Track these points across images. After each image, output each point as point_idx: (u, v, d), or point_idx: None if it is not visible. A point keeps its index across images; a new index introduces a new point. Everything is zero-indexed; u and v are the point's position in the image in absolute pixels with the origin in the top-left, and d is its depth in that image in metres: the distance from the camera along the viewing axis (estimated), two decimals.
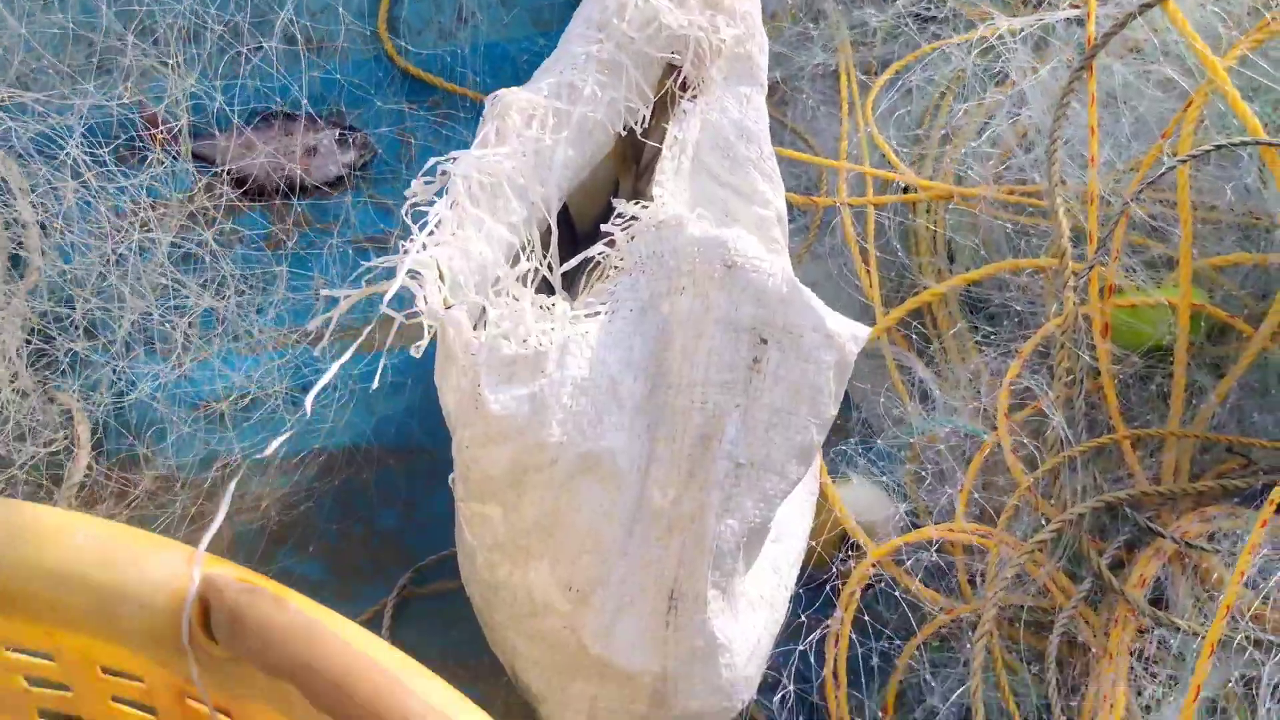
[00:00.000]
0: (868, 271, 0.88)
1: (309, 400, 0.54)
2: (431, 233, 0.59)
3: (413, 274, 0.57)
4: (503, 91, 0.66)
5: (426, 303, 0.57)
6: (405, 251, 0.57)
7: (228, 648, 0.38)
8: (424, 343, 0.57)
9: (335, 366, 0.56)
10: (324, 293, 0.83)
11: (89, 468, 0.79)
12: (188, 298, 0.83)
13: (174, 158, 0.87)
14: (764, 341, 0.60)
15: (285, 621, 0.37)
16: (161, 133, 0.88)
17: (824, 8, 1.01)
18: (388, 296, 0.59)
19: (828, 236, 0.92)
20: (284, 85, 0.93)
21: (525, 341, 0.58)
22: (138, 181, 0.83)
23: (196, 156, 0.91)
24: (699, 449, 0.60)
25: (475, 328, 0.59)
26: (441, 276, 0.58)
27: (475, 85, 1.02)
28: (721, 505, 0.59)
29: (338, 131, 0.96)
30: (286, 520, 0.81)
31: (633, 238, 0.62)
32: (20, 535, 0.41)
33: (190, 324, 0.83)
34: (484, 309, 0.59)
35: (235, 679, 0.40)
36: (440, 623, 0.77)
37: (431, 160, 0.63)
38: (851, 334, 0.60)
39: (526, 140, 0.65)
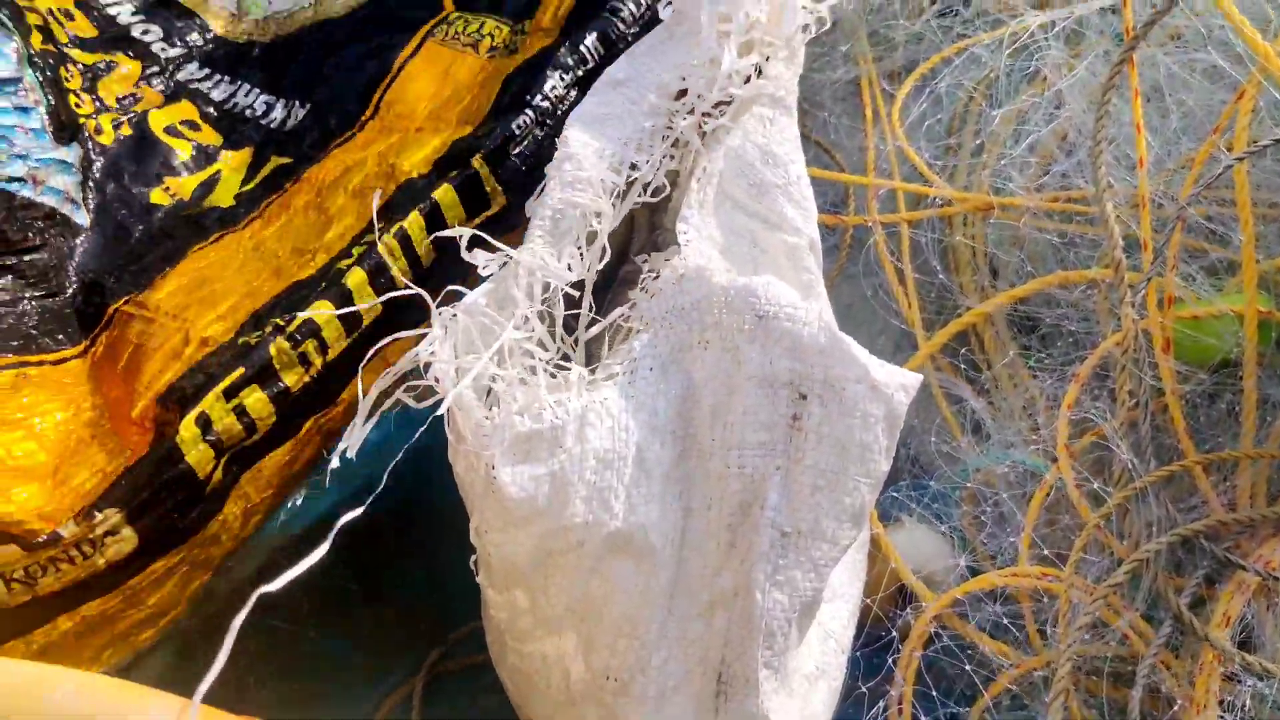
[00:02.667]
0: (905, 293, 0.83)
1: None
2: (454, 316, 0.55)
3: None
4: (573, 144, 0.61)
5: (438, 382, 0.53)
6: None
7: None
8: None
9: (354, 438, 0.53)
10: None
11: None
12: None
13: None
14: (803, 397, 0.55)
15: None
16: None
17: (840, 17, 0.95)
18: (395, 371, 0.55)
19: (860, 255, 0.87)
20: None
21: (540, 415, 0.53)
22: None
23: None
24: (739, 518, 0.55)
25: (488, 394, 0.55)
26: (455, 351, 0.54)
27: None
28: (768, 579, 0.55)
29: None
30: (310, 596, 0.76)
31: (652, 296, 0.57)
32: None
33: None
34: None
35: None
36: (471, 698, 0.73)
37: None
38: (900, 383, 0.55)
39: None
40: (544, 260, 0.59)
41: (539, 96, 0.71)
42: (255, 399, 0.62)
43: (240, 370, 0.62)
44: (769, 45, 0.65)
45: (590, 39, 0.73)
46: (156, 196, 0.76)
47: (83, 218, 0.73)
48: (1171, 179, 0.78)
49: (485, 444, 0.53)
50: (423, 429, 0.56)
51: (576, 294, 0.61)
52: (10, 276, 0.69)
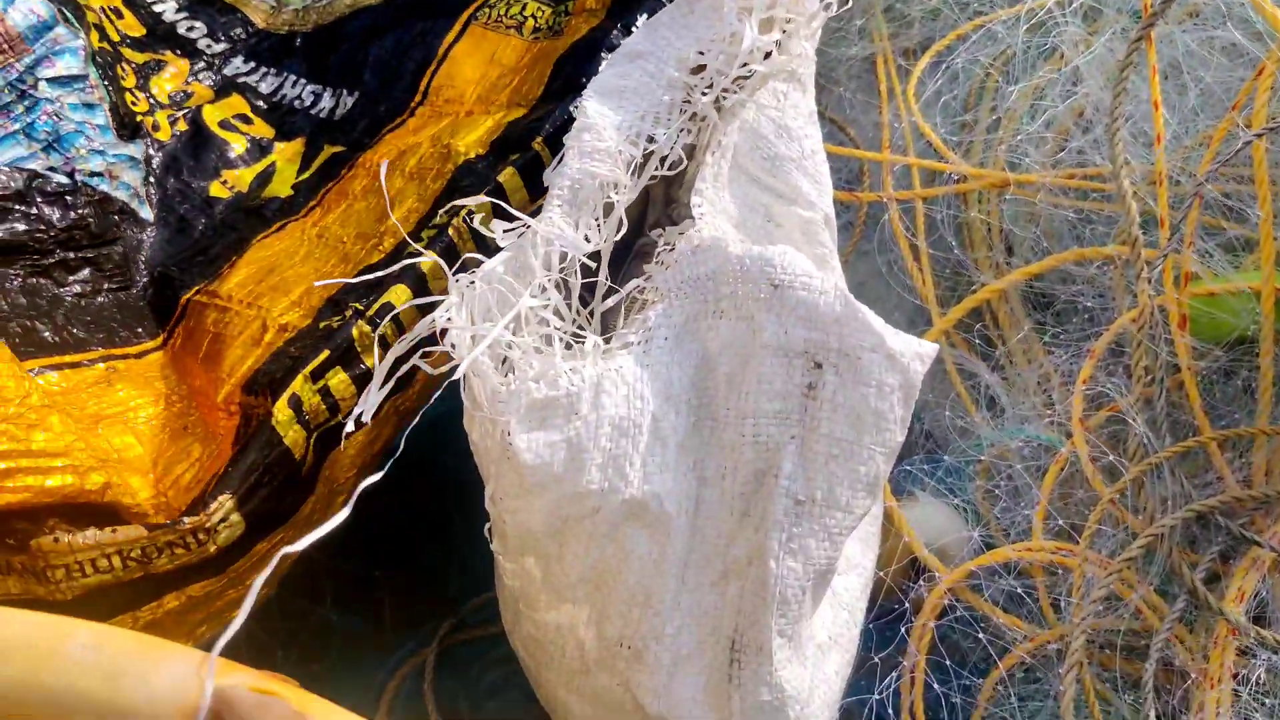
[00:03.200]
0: (920, 269, 0.83)
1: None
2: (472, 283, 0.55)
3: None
4: (592, 115, 0.61)
5: (454, 348, 0.53)
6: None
7: None
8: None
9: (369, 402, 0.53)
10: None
11: None
12: None
13: None
14: (818, 366, 0.55)
15: None
16: None
17: None
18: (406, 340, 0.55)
19: (875, 232, 0.86)
20: None
21: (556, 382, 0.53)
22: None
23: None
24: (753, 486, 0.55)
25: (504, 362, 0.55)
26: (471, 319, 0.54)
27: None
28: (782, 547, 0.54)
29: None
30: (321, 568, 0.76)
31: (667, 268, 0.57)
32: (9, 650, 0.37)
33: None
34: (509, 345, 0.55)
35: None
36: (483, 668, 0.73)
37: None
38: (916, 352, 0.55)
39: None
40: (561, 230, 0.58)
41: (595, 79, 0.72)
42: (338, 380, 0.63)
43: (325, 353, 0.63)
44: (790, 22, 0.65)
45: (641, 20, 0.74)
46: (215, 190, 0.78)
47: (147, 213, 0.75)
48: (1189, 156, 0.78)
49: (501, 410, 0.53)
50: (438, 393, 0.56)
51: (593, 265, 0.61)
52: (90, 269, 0.71)
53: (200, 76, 0.84)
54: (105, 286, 0.71)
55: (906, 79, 0.90)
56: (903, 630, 0.65)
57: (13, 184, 0.70)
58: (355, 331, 0.64)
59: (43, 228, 0.70)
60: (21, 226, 0.69)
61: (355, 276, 0.68)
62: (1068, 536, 0.68)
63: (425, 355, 0.56)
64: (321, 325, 0.66)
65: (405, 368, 0.55)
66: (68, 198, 0.72)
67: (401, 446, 0.52)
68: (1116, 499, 0.67)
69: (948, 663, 0.64)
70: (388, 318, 0.64)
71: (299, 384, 0.62)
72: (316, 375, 0.63)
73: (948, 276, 0.84)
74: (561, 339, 0.57)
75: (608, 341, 0.57)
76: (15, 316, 0.67)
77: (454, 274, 0.56)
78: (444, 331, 0.55)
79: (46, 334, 0.67)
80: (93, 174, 0.73)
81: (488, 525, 0.59)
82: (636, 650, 0.56)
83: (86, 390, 0.65)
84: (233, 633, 0.38)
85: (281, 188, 0.78)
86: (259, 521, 0.61)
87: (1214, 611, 0.63)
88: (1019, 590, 0.67)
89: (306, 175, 0.78)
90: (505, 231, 0.58)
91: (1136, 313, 0.71)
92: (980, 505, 0.71)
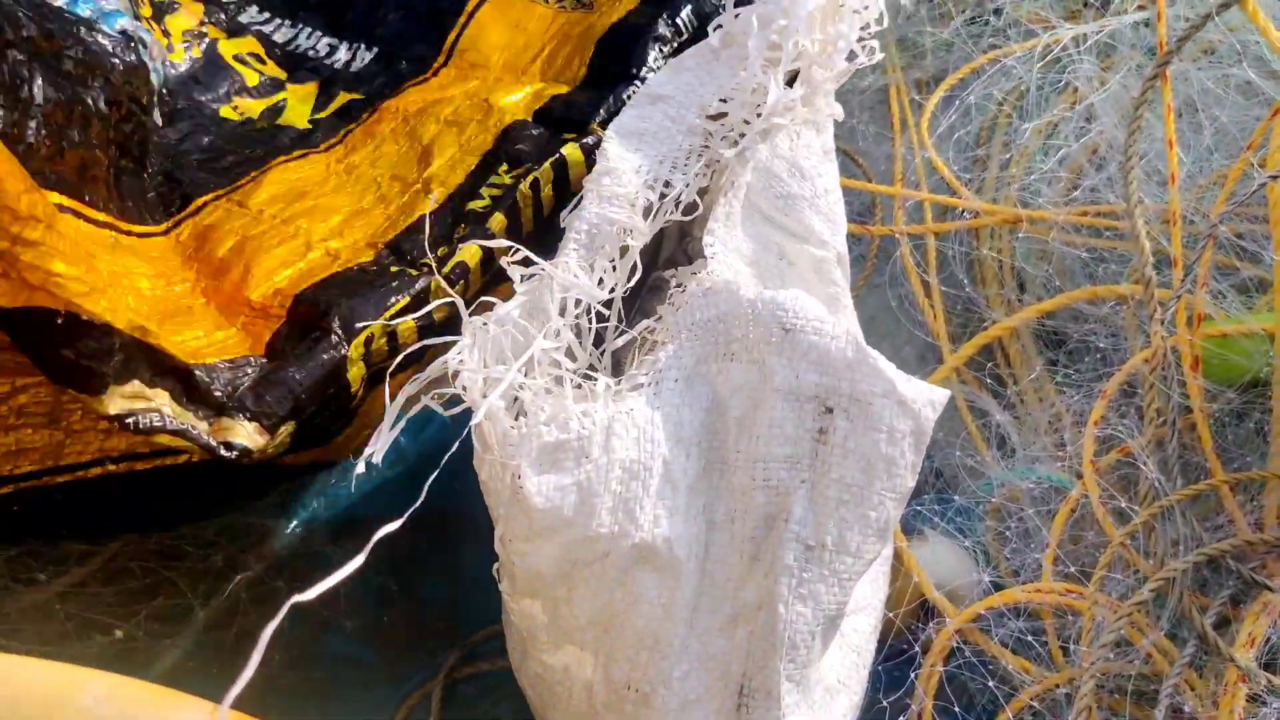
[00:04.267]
0: (930, 305, 0.83)
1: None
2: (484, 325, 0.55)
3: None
4: (612, 159, 0.62)
5: (465, 390, 0.53)
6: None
7: None
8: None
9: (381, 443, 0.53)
10: None
11: None
12: None
13: None
14: (829, 411, 0.55)
15: None
16: None
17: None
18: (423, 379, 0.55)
19: (886, 266, 0.86)
20: None
21: (567, 425, 0.53)
22: None
23: None
24: (763, 531, 0.55)
25: (514, 402, 0.55)
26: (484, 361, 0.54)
27: None
28: (792, 592, 0.54)
29: None
30: (328, 598, 0.76)
31: (678, 309, 0.57)
32: (21, 701, 0.37)
33: None
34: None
35: None
36: (490, 703, 0.73)
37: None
38: (928, 399, 0.55)
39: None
40: (577, 276, 0.59)
41: (644, 69, 0.74)
42: (406, 326, 0.66)
43: (404, 300, 0.66)
44: (814, 79, 0.65)
45: (685, 11, 0.76)
46: (226, 112, 0.80)
47: (158, 118, 0.76)
48: (1203, 195, 0.77)
49: (512, 454, 0.53)
50: (438, 423, 0.56)
51: (604, 308, 0.61)
52: (115, 148, 0.71)
53: (214, 19, 0.85)
54: (122, 163, 0.71)
55: (919, 111, 0.90)
56: (911, 675, 0.65)
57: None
58: (433, 284, 0.67)
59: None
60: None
61: (407, 223, 0.71)
62: (1077, 579, 0.68)
63: (436, 396, 0.56)
64: (394, 269, 0.68)
65: (416, 409, 0.56)
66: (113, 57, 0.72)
67: (423, 497, 0.52)
68: (1127, 542, 0.67)
69: (955, 708, 0.64)
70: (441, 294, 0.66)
71: (377, 328, 0.64)
72: (391, 319, 0.65)
73: (959, 313, 0.84)
74: (572, 380, 0.57)
75: (618, 382, 0.57)
76: (46, 156, 0.66)
77: (469, 314, 0.56)
78: (455, 373, 0.55)
79: (68, 177, 0.67)
80: (124, 32, 0.73)
81: (496, 565, 0.59)
82: (644, 694, 0.56)
83: (93, 244, 0.66)
84: (242, 686, 0.38)
85: (297, 120, 0.79)
86: (301, 441, 0.63)
87: (1224, 657, 0.63)
88: (1028, 634, 0.66)
89: (323, 115, 0.79)
90: (523, 279, 0.58)
91: (1149, 353, 0.70)
92: (990, 546, 0.71)
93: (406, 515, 0.49)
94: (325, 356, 0.63)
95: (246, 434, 0.60)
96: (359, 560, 0.43)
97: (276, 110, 0.80)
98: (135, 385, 0.59)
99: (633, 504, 0.54)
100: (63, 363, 0.57)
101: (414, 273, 0.67)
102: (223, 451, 0.60)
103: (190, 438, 0.59)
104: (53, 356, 0.57)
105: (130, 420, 0.58)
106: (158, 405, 0.59)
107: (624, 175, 0.62)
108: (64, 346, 0.57)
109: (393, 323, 0.65)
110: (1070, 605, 0.67)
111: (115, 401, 0.58)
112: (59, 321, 0.56)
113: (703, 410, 0.57)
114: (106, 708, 0.38)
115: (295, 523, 0.79)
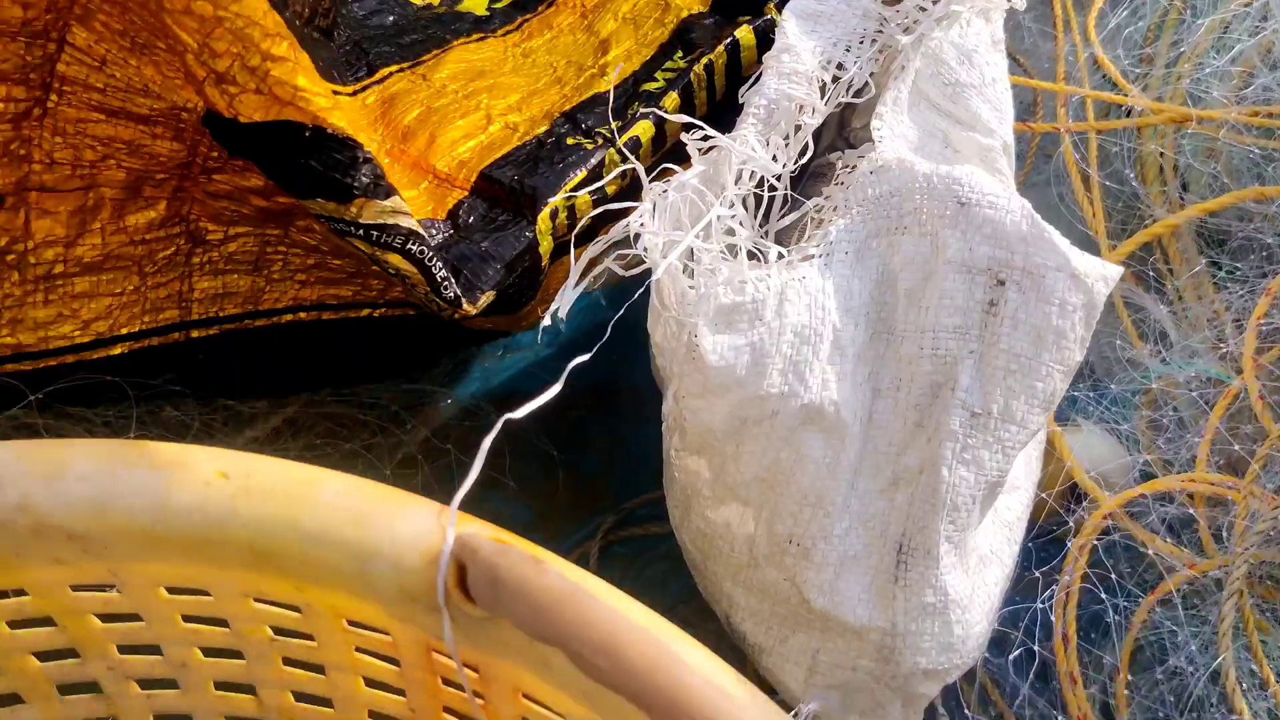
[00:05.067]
0: (1090, 202, 0.82)
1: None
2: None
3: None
4: (791, 37, 0.63)
5: (646, 251, 0.56)
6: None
7: (487, 609, 0.38)
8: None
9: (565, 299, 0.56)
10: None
11: None
12: None
13: None
14: (1001, 283, 0.56)
15: (547, 585, 0.36)
16: None
17: None
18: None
19: (1047, 164, 0.86)
20: None
21: (743, 288, 0.56)
22: None
23: None
24: (928, 398, 0.57)
25: (687, 269, 0.57)
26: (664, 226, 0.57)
27: None
28: (956, 456, 0.56)
29: None
30: (491, 462, 0.81)
31: (848, 187, 0.58)
32: (268, 492, 0.42)
33: None
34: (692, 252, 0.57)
35: (489, 638, 0.40)
36: (644, 563, 0.77)
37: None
38: (1101, 274, 0.56)
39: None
40: (754, 149, 0.61)
41: None
42: (583, 200, 0.69)
43: (582, 174, 0.69)
44: None
45: None
46: None
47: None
48: None
49: (689, 312, 0.55)
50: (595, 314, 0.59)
51: (774, 183, 0.63)
52: (304, 5, 0.74)
53: None
54: (319, 22, 0.74)
55: (1083, 9, 0.89)
56: (1064, 549, 0.66)
57: None
58: (606, 158, 0.69)
59: None
60: None
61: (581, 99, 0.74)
62: (1232, 471, 0.68)
63: (618, 259, 0.59)
64: (569, 142, 0.71)
65: (599, 269, 0.59)
66: None
67: (609, 332, 0.55)
68: None
69: (1112, 576, 0.65)
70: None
71: (559, 201, 0.68)
72: (570, 193, 0.68)
73: (1120, 210, 0.84)
74: (745, 249, 0.59)
75: (790, 252, 0.59)
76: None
77: (649, 181, 0.58)
78: (637, 236, 0.58)
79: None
80: None
81: (665, 424, 0.62)
82: (805, 548, 0.59)
83: None
84: (468, 487, 0.41)
85: (476, 7, 0.82)
86: (494, 307, 0.67)
87: None
88: (1178, 521, 0.67)
89: (500, 4, 0.82)
90: (702, 153, 0.60)
91: None
92: (1144, 435, 0.72)
93: (594, 349, 0.52)
94: (516, 232, 0.67)
95: (454, 290, 0.64)
96: (557, 387, 0.46)
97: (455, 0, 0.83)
98: (395, 200, 0.62)
99: (803, 367, 0.56)
100: (310, 174, 0.60)
101: (589, 145, 0.70)
102: (444, 290, 0.63)
103: (427, 266, 0.63)
104: (301, 168, 0.60)
105: (378, 233, 0.61)
106: (410, 226, 0.62)
107: (802, 54, 0.63)
108: (312, 157, 0.60)
109: (575, 193, 0.68)
110: (1225, 493, 0.67)
111: (369, 211, 0.61)
112: (306, 135, 0.59)
113: (872, 282, 0.58)
114: (345, 500, 0.41)
115: (463, 393, 0.83)
